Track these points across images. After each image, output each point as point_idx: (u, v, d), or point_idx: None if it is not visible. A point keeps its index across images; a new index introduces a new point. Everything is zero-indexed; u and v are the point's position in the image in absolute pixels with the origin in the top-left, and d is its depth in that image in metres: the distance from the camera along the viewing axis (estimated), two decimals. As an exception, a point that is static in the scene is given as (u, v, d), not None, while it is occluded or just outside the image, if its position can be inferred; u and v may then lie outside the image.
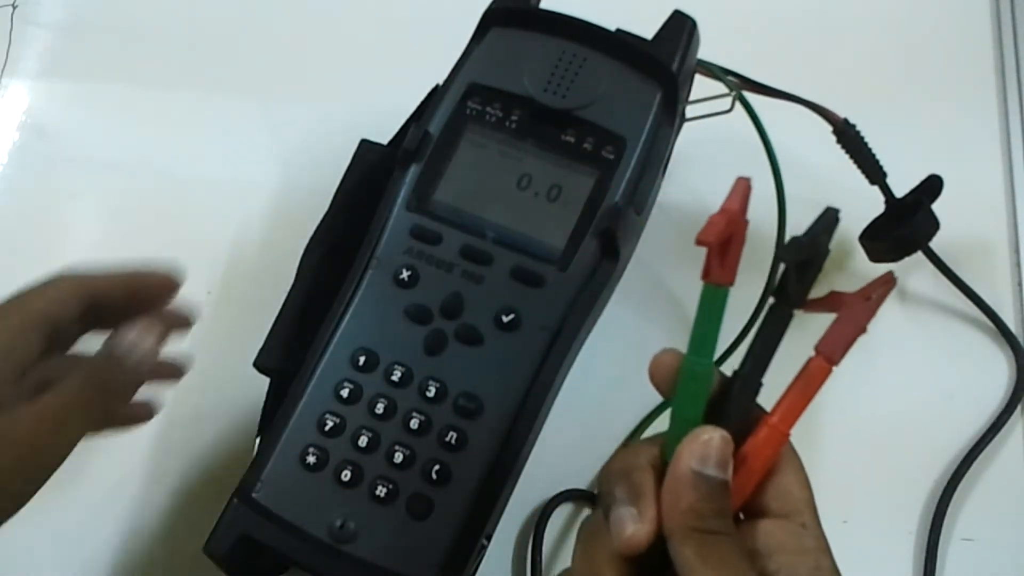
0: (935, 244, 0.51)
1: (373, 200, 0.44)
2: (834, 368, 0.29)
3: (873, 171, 0.49)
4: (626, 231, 0.41)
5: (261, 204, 0.52)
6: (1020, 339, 0.52)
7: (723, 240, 0.28)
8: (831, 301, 0.29)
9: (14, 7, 0.64)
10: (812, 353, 0.29)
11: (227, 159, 0.58)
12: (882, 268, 0.53)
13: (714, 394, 0.30)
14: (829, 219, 0.29)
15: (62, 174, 0.59)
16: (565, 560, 0.48)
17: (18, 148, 0.60)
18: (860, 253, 0.52)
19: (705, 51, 0.45)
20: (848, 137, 0.48)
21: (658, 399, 0.50)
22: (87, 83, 0.62)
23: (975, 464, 0.49)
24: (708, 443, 0.28)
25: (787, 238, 0.45)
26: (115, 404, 0.35)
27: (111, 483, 0.42)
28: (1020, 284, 0.54)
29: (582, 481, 0.50)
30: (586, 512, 0.49)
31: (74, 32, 0.64)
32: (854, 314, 0.28)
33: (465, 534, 0.38)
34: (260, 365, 0.44)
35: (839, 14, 0.63)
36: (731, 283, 0.29)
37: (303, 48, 0.59)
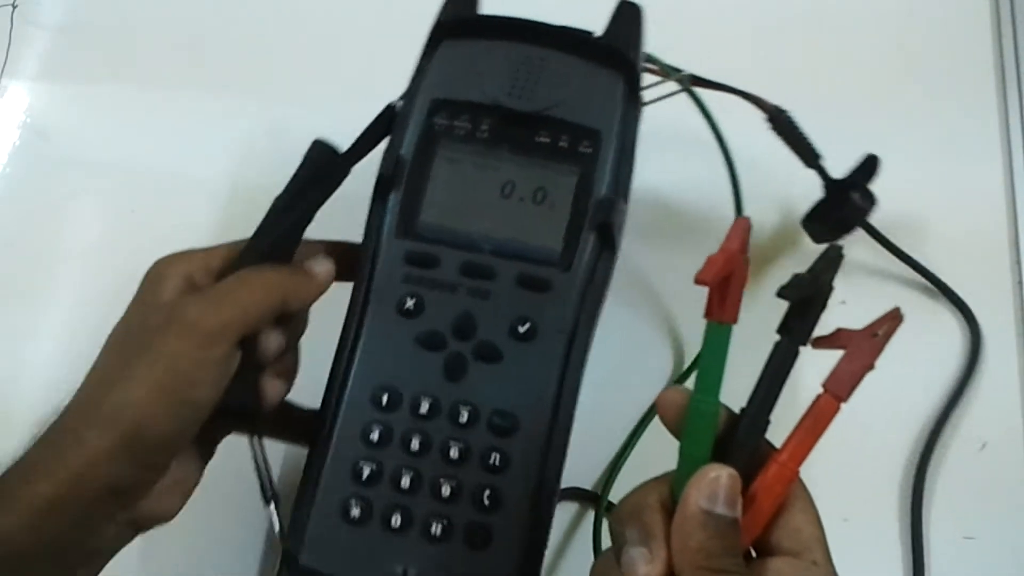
0: (883, 224, 0.53)
1: (310, 202, 0.41)
2: (842, 405, 0.29)
3: (808, 155, 0.50)
4: (619, 221, 0.41)
5: (262, 204, 0.51)
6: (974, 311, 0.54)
7: (721, 279, 0.28)
8: (838, 338, 0.30)
9: (14, 7, 0.63)
10: (820, 390, 0.29)
11: (227, 159, 0.57)
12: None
13: (722, 431, 0.30)
14: (832, 256, 0.29)
15: (62, 174, 0.58)
16: (567, 558, 0.48)
17: (18, 148, 0.59)
18: (806, 236, 0.53)
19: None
20: (781, 123, 0.49)
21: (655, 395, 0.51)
22: (87, 83, 0.61)
23: (974, 461, 0.50)
24: (716, 481, 0.29)
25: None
26: (300, 291, 0.38)
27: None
28: (1020, 284, 0.55)
29: (584, 480, 0.49)
30: (589, 513, 0.49)
31: (74, 32, 0.63)
32: (861, 351, 0.29)
33: (530, 552, 0.38)
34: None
35: (839, 14, 0.63)
36: (734, 321, 0.29)
37: (305, 49, 0.59)
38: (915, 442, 0.51)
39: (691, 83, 0.47)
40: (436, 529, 0.37)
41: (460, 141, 0.42)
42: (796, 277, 0.29)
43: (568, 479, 0.47)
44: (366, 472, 0.38)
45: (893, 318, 0.29)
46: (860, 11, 0.64)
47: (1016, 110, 0.60)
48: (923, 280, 0.54)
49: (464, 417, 0.38)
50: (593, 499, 0.49)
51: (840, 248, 0.29)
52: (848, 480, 0.49)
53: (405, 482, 0.38)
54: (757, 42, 0.61)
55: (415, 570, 0.37)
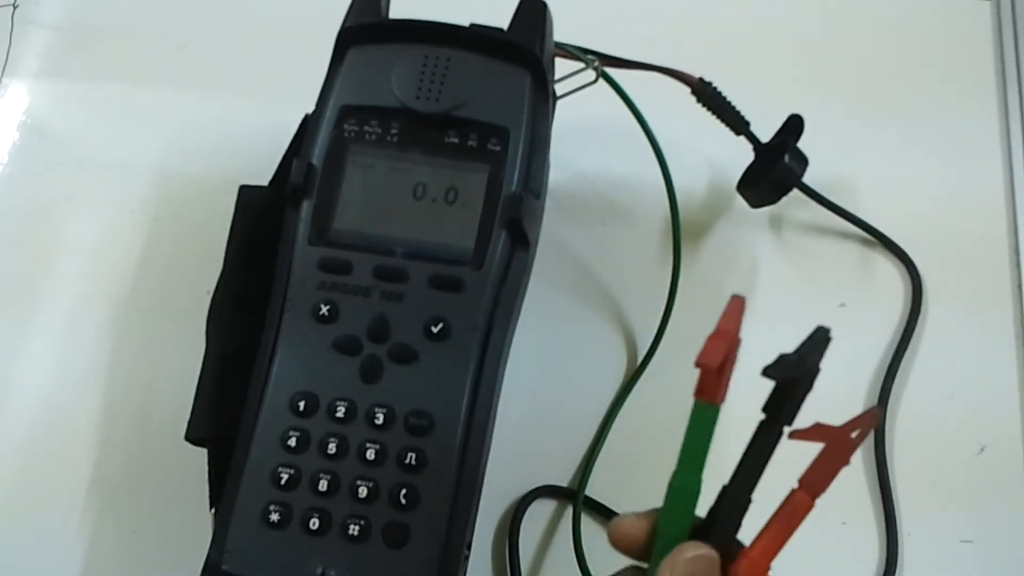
0: (819, 184, 0.53)
1: (268, 244, 0.43)
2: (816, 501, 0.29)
3: (736, 122, 0.50)
4: (530, 217, 0.41)
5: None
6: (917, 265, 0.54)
7: (721, 362, 0.28)
8: (816, 432, 0.29)
9: (14, 7, 0.64)
10: (795, 485, 0.29)
11: (228, 159, 0.57)
12: (764, 212, 0.55)
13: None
14: (819, 338, 0.29)
15: (62, 174, 0.58)
16: (548, 555, 0.48)
17: (18, 148, 0.59)
18: (741, 202, 0.53)
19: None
20: (706, 95, 0.49)
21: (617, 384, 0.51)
22: (87, 83, 0.62)
23: (973, 464, 0.50)
24: (693, 562, 0.28)
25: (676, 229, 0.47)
26: None
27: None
28: (1020, 284, 0.55)
29: (559, 477, 0.50)
30: (568, 509, 0.49)
31: (74, 32, 0.63)
32: (838, 450, 0.29)
33: (448, 550, 0.38)
34: (191, 437, 0.42)
35: (840, 14, 0.63)
36: (723, 401, 0.29)
37: (305, 49, 0.59)
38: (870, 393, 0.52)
39: (604, 64, 0.47)
40: (354, 530, 0.38)
41: (371, 146, 0.42)
42: (782, 357, 0.28)
43: (543, 477, 0.49)
44: (284, 477, 0.38)
45: (872, 416, 0.29)
46: (860, 11, 0.63)
47: (1016, 110, 0.59)
48: (863, 233, 0.55)
49: (380, 419, 0.39)
50: (570, 495, 0.49)
51: (828, 331, 0.29)
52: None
53: (323, 485, 0.38)
54: (757, 43, 0.61)
55: (334, 571, 0.38)
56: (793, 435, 0.29)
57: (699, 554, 0.28)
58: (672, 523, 0.30)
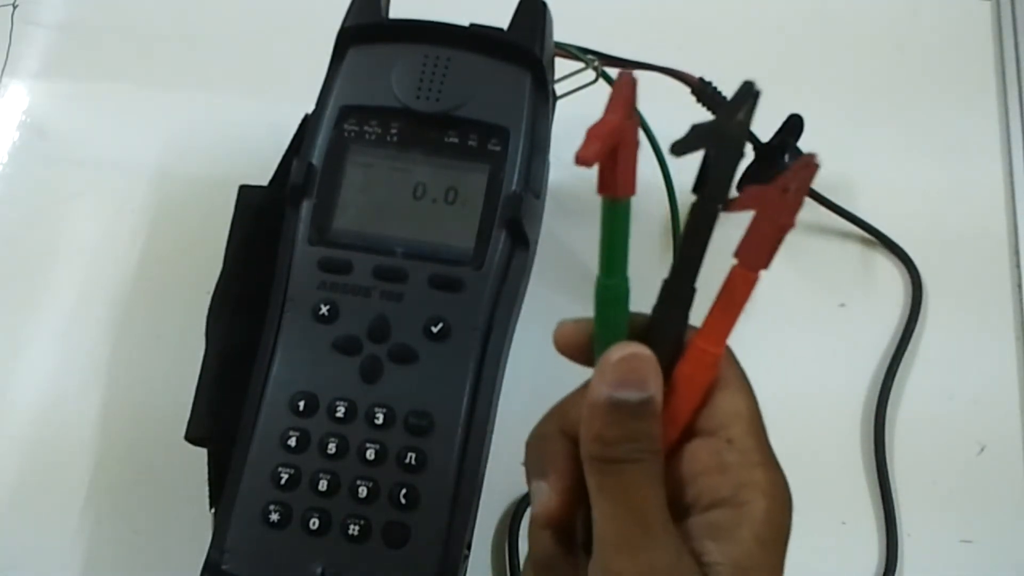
0: (818, 183, 0.53)
1: (268, 244, 0.43)
2: (762, 273, 0.26)
3: None
4: (530, 216, 0.41)
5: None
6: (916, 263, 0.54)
7: (605, 155, 0.25)
8: (749, 198, 0.25)
9: (14, 7, 0.64)
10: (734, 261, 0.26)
11: (227, 158, 0.57)
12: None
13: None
14: (745, 94, 0.25)
15: (62, 174, 0.59)
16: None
17: (18, 148, 0.60)
18: None
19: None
20: (706, 95, 0.49)
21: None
22: (87, 83, 0.62)
23: (973, 464, 0.50)
24: (622, 364, 0.25)
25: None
26: None
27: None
28: (1020, 284, 0.55)
29: None
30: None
31: (74, 32, 0.64)
32: (772, 211, 0.25)
33: (447, 549, 0.38)
34: (191, 437, 0.42)
35: (840, 14, 0.63)
36: (632, 193, 0.26)
37: (305, 49, 0.59)
38: (869, 397, 0.51)
39: (604, 64, 0.47)
40: (354, 530, 0.38)
41: (371, 146, 0.42)
42: (694, 127, 0.25)
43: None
44: (284, 477, 0.38)
45: (806, 165, 0.25)
46: (860, 11, 0.63)
47: (1016, 110, 0.59)
48: (863, 233, 0.55)
49: (380, 419, 0.39)
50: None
51: (753, 84, 0.25)
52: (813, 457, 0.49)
53: (323, 485, 0.38)
54: (759, 43, 0.61)
55: (334, 570, 0.38)
56: (727, 207, 0.26)
57: (625, 355, 0.26)
58: (606, 330, 0.27)
